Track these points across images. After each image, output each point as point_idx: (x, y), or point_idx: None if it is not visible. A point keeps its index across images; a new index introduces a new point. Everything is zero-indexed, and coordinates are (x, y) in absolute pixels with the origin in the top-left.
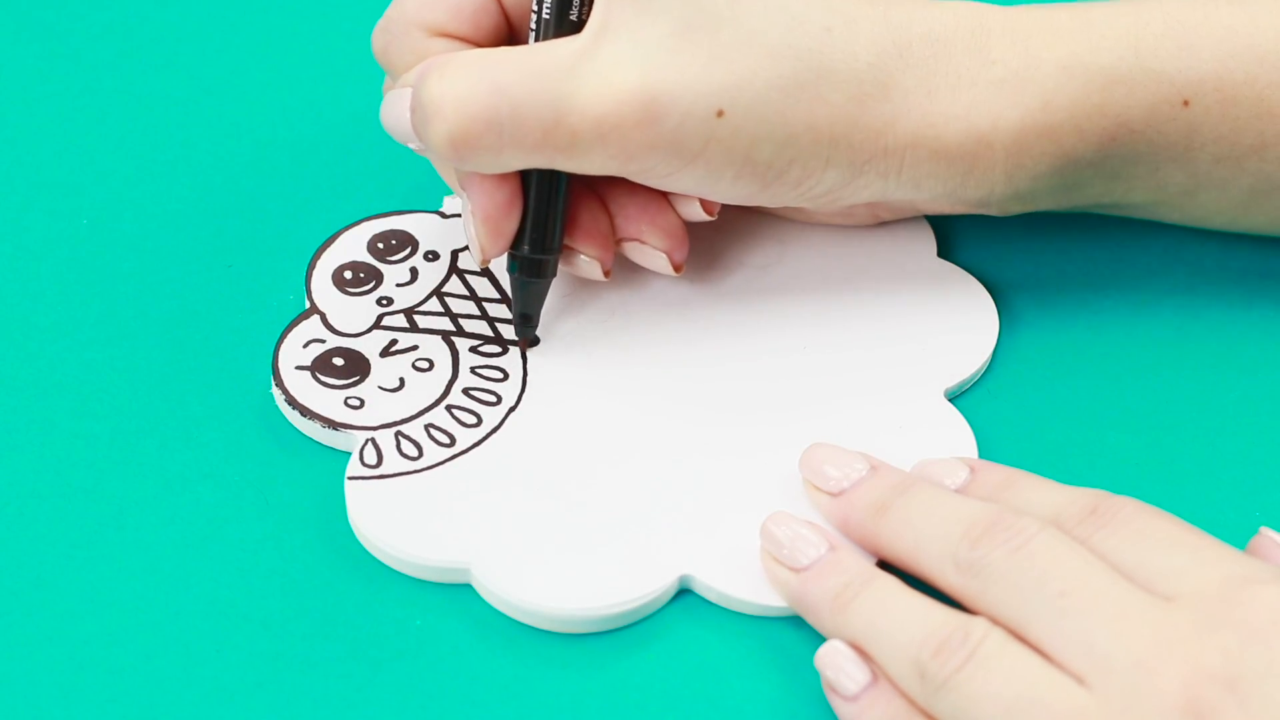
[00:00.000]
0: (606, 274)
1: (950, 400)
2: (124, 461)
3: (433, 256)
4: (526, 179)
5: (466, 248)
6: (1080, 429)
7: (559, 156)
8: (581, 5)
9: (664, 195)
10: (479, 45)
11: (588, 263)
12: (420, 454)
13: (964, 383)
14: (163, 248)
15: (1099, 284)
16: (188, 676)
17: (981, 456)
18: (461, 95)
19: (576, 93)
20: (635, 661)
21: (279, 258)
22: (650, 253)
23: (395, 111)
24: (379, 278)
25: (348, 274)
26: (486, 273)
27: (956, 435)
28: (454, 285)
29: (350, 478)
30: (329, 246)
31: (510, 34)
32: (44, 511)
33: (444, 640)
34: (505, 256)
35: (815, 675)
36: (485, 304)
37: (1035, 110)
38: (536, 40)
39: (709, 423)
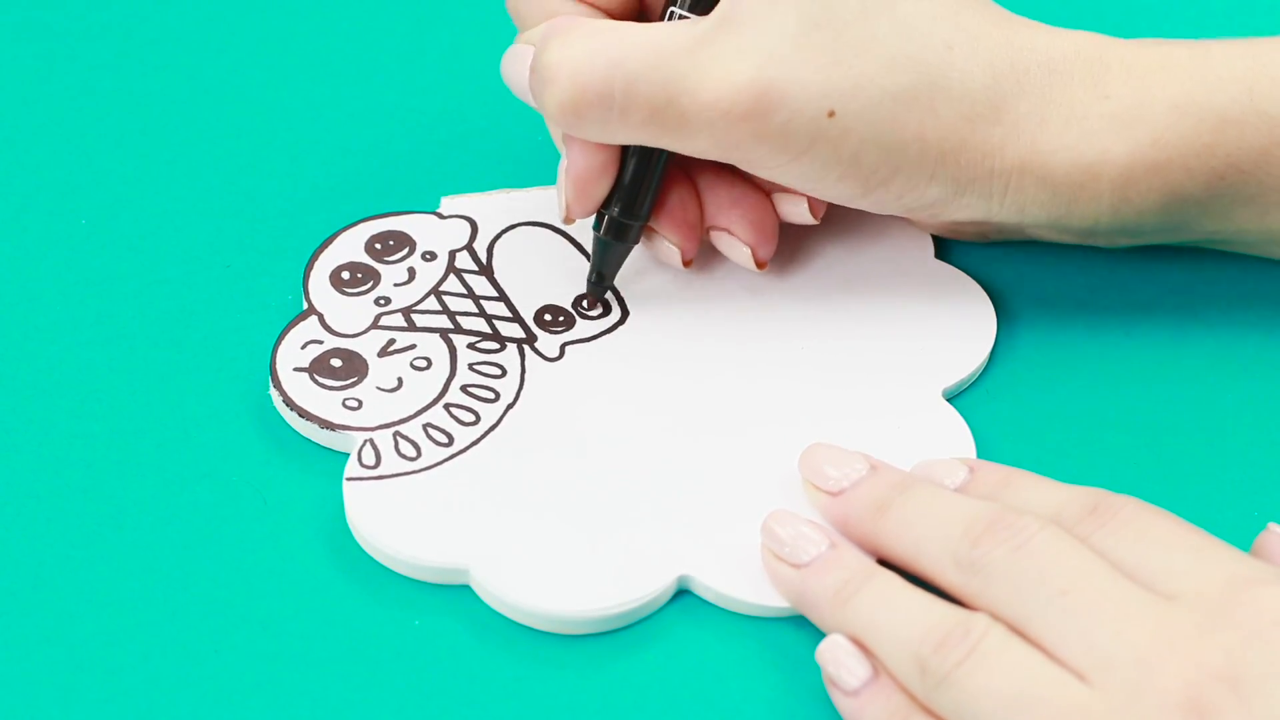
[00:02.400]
0: (686, 263)
1: (948, 400)
2: (122, 462)
3: (430, 256)
4: (627, 149)
5: (464, 248)
6: (1078, 429)
7: (665, 136)
8: None
9: (760, 191)
10: (609, 15)
11: (668, 248)
12: (419, 454)
13: (962, 383)
14: (161, 248)
15: (1097, 284)
16: (186, 677)
17: (980, 457)
18: (579, 64)
19: (691, 75)
20: (634, 662)
21: (277, 258)
22: (736, 245)
23: (515, 68)
24: (377, 278)
25: (345, 274)
26: (485, 270)
27: (955, 435)
28: (452, 284)
29: (349, 479)
30: (327, 247)
31: (641, 10)
32: (42, 512)
33: (443, 641)
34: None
35: (815, 675)
36: (483, 302)
37: (1145, 146)
38: (663, 15)
39: (708, 423)
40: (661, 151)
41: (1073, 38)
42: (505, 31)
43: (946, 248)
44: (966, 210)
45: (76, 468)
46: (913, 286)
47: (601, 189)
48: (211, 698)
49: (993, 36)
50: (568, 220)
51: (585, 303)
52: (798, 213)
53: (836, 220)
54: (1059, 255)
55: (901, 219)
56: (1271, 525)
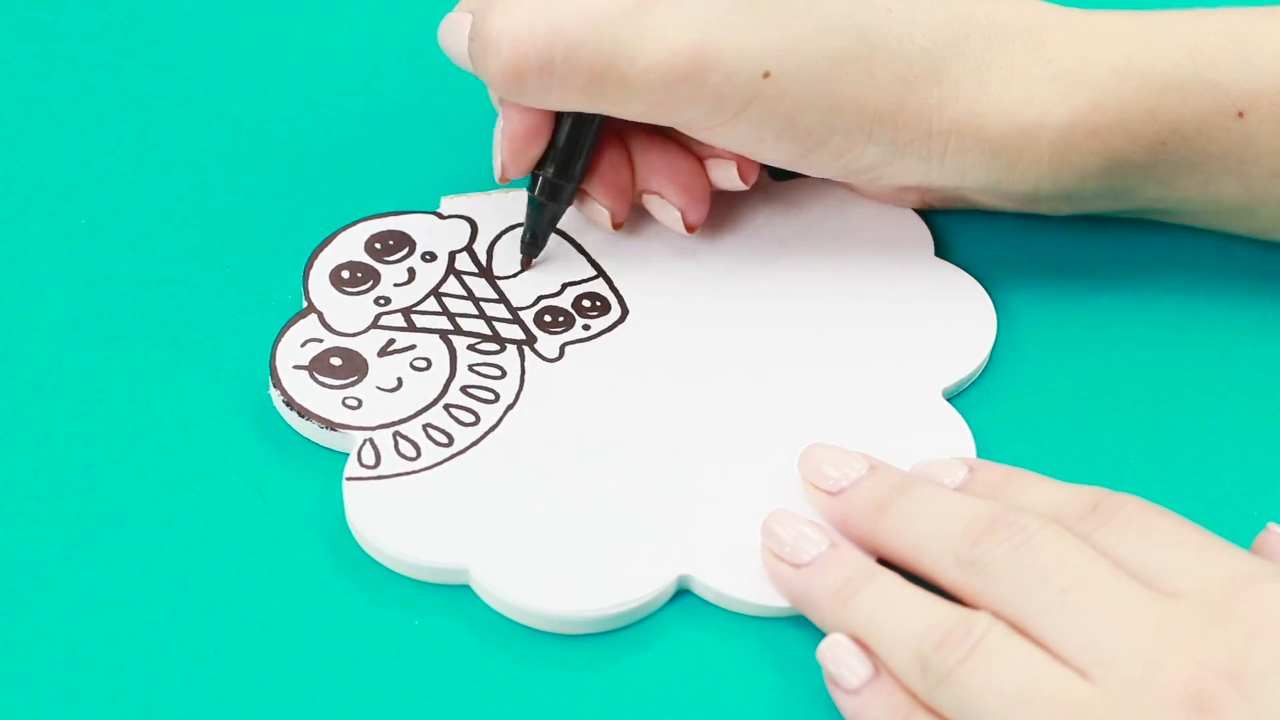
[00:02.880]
0: (616, 226)
1: (948, 400)
2: (122, 462)
3: (430, 257)
4: (562, 112)
5: (464, 249)
6: (1078, 428)
7: (605, 101)
8: None
9: (692, 155)
10: None
11: (599, 209)
12: (418, 454)
13: (962, 382)
14: (161, 247)
15: (1097, 283)
16: (186, 677)
17: (980, 456)
18: (520, 32)
19: (630, 41)
20: (634, 662)
21: (277, 257)
22: (667, 208)
23: (453, 36)
24: (376, 278)
25: (345, 274)
26: (485, 273)
27: (955, 435)
28: (451, 285)
29: (348, 479)
30: (326, 246)
31: None
32: (42, 512)
33: (442, 641)
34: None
35: (815, 675)
36: (483, 303)
37: (1084, 109)
38: None
39: (708, 422)
40: (595, 116)
41: (1015, 4)
42: None
43: (947, 246)
44: (906, 173)
45: (77, 467)
46: (913, 286)
47: (536, 149)
48: (211, 698)
49: (933, 1)
50: (501, 180)
51: (520, 263)
52: (727, 178)
53: (837, 220)
54: (1060, 254)
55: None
56: (1271, 525)
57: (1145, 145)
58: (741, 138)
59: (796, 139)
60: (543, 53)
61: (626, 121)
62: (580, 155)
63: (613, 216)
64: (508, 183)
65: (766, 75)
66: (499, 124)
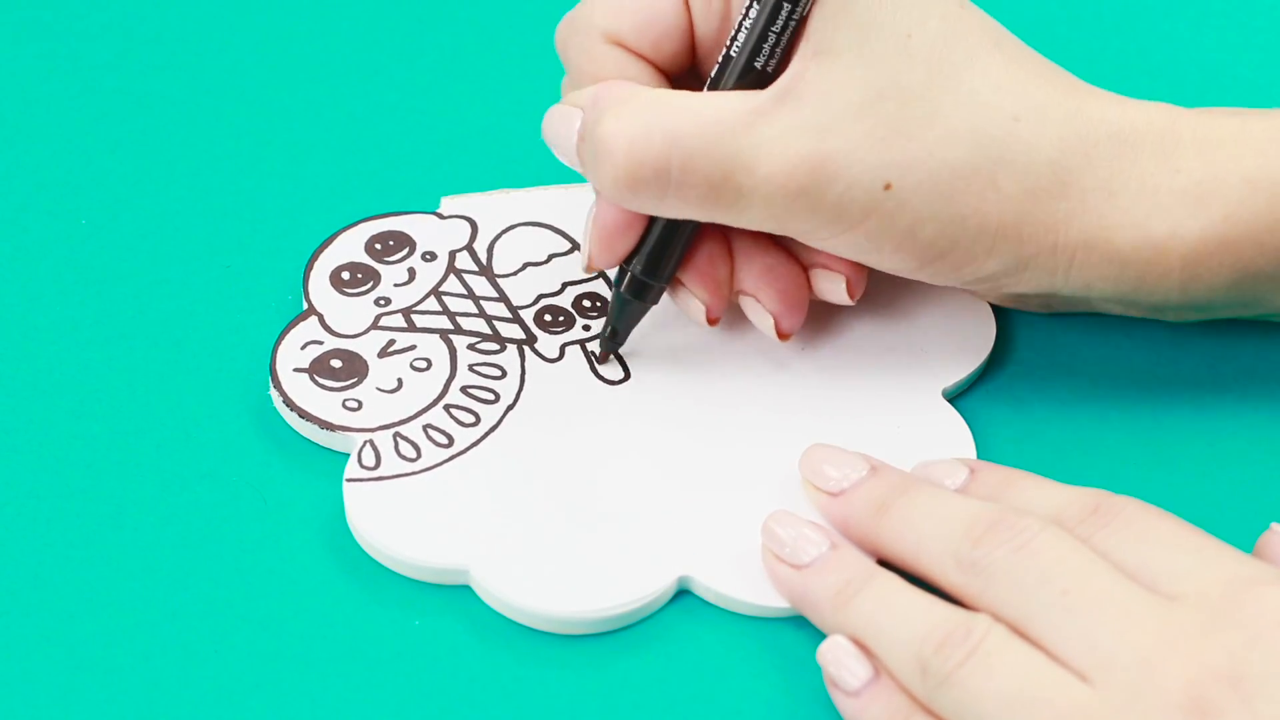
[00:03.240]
0: (711, 322)
1: (949, 401)
2: (122, 463)
3: (430, 257)
4: None
5: (464, 248)
6: (1079, 429)
7: (719, 211)
8: (770, 55)
9: (796, 262)
10: (656, 66)
11: (695, 304)
12: (419, 455)
13: (962, 383)
14: (161, 248)
15: None
16: (186, 677)
17: (980, 457)
18: (635, 140)
19: (748, 151)
20: (634, 662)
21: (277, 258)
22: (762, 312)
23: (562, 130)
24: (377, 278)
25: (345, 274)
26: (485, 271)
27: (955, 436)
28: (452, 285)
29: (349, 479)
30: (327, 247)
31: (691, 63)
32: (42, 512)
33: (443, 641)
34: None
35: (815, 676)
36: (483, 302)
37: (1217, 223)
38: (718, 78)
39: (708, 423)
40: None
41: (1143, 108)
42: (505, 32)
43: None
44: (1029, 283)
45: (77, 467)
46: (913, 286)
47: (627, 243)
48: (211, 698)
49: (1062, 107)
50: (588, 271)
51: (597, 357)
52: (834, 291)
53: None
54: None
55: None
56: (1274, 525)
57: (1276, 256)
58: (859, 247)
59: (915, 251)
60: (659, 161)
61: None
62: (673, 254)
63: (708, 312)
64: (594, 273)
65: (888, 187)
66: (591, 212)
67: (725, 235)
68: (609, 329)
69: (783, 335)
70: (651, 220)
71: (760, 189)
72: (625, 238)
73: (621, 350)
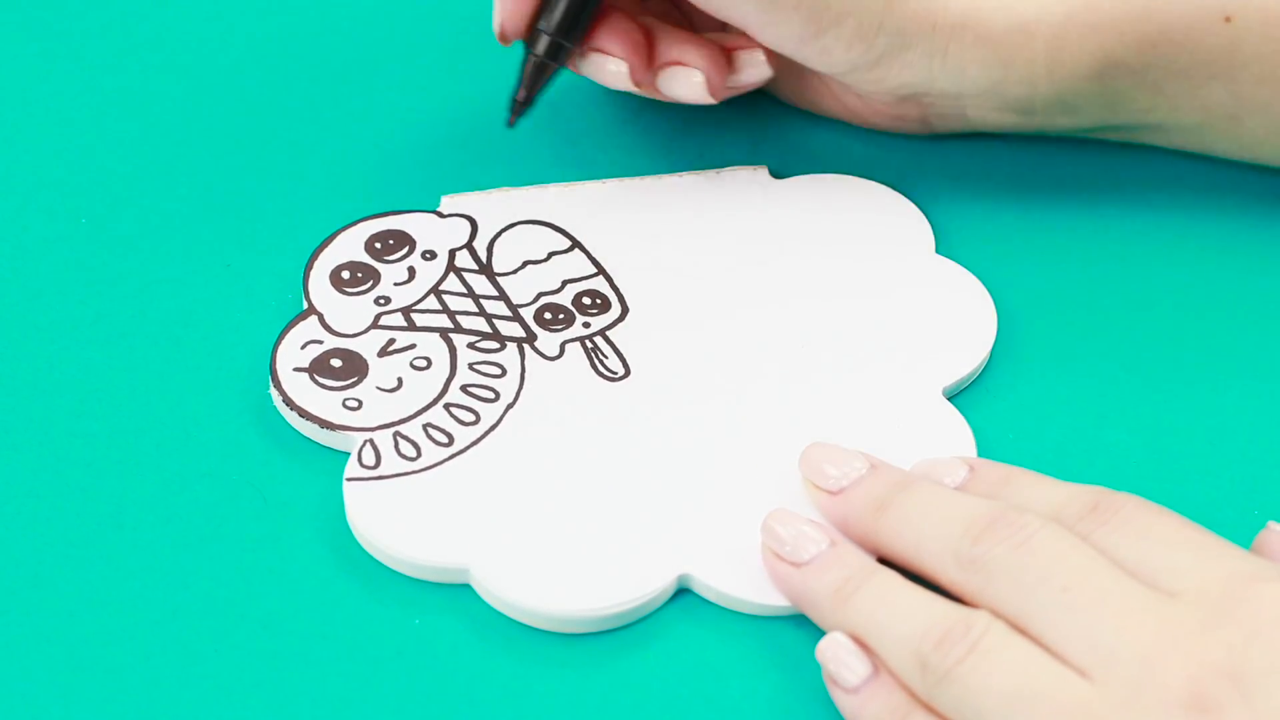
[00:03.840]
0: (637, 83)
1: (949, 399)
2: (122, 462)
3: (430, 256)
4: None
5: (464, 246)
6: (1079, 427)
7: None
8: None
9: (712, 42)
10: None
11: (614, 65)
12: (419, 454)
13: (962, 381)
14: (161, 247)
15: (1098, 282)
16: (186, 676)
17: (980, 455)
18: None
19: None
20: (634, 661)
21: (277, 258)
22: (690, 74)
23: None
24: (376, 277)
25: (345, 274)
26: (485, 270)
27: (955, 434)
28: (451, 283)
29: (349, 479)
30: (326, 246)
31: None
32: (42, 511)
33: (443, 640)
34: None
35: (815, 674)
36: (483, 301)
37: (1078, 8)
38: None
39: (707, 421)
40: None
41: None
42: None
43: (948, 244)
44: (910, 70)
45: (77, 466)
46: (913, 285)
47: (532, 4)
48: (211, 697)
49: None
50: (501, 39)
51: (508, 122)
52: (754, 66)
53: (837, 219)
54: (1061, 252)
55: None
56: (1271, 524)
57: (1136, 46)
58: (761, 4)
59: (814, 14)
60: None
61: (639, 12)
62: (584, 14)
63: (632, 71)
64: (508, 44)
65: None
66: None
67: (633, 16)
68: (523, 92)
69: (714, 92)
70: None
71: None
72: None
73: (622, 350)
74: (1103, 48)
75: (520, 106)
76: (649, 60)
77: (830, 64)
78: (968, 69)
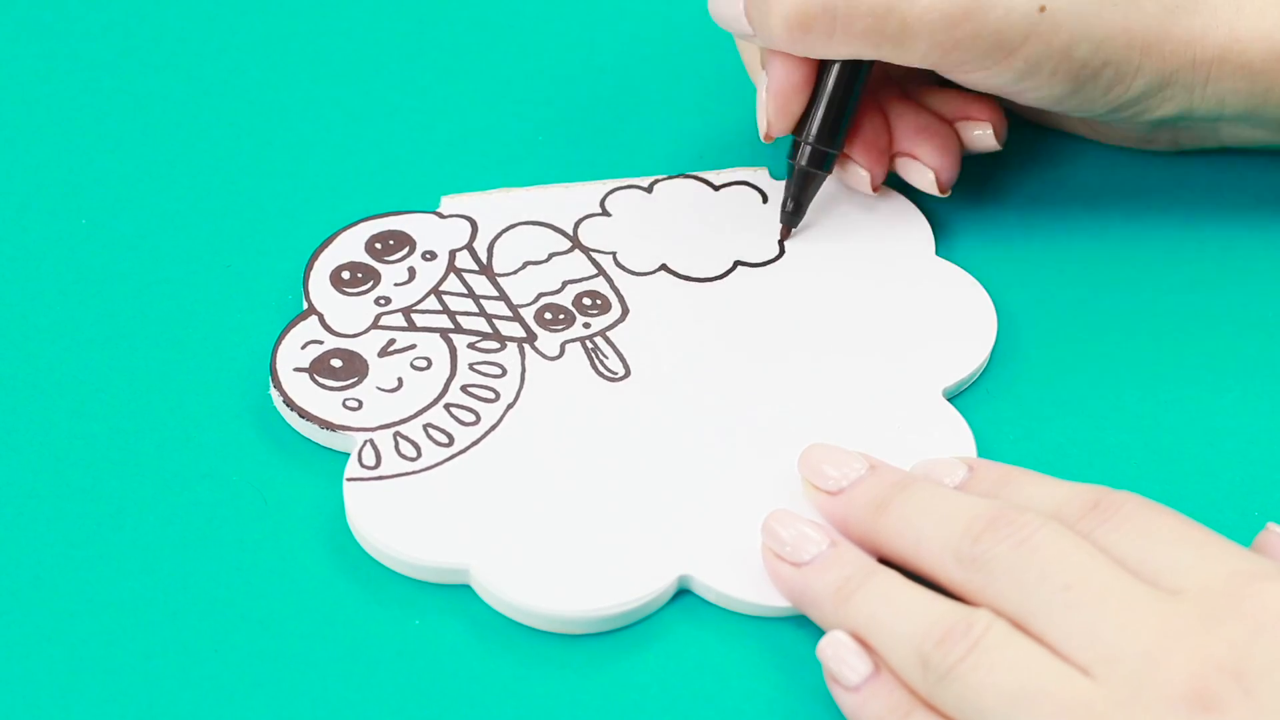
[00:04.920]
0: (875, 189)
1: (949, 400)
2: (122, 462)
3: (430, 256)
4: (824, 69)
5: (464, 247)
6: (1079, 428)
7: (886, 44)
8: None
9: (945, 121)
10: None
11: (860, 174)
12: (419, 454)
13: (962, 382)
14: (161, 248)
15: (1097, 283)
16: (186, 677)
17: (980, 456)
18: None
19: None
20: (634, 662)
21: (277, 258)
22: (922, 170)
23: (726, 1)
24: (377, 278)
25: (345, 274)
26: (485, 270)
27: (955, 435)
28: (452, 284)
29: (349, 479)
30: (327, 247)
31: None
32: (42, 512)
33: (443, 641)
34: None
35: (815, 675)
36: (483, 301)
37: None
38: None
39: (707, 422)
40: (859, 78)
41: None
42: (505, 31)
43: (948, 246)
44: (1169, 104)
45: (77, 467)
46: (913, 286)
47: (800, 104)
48: (211, 698)
49: None
50: (767, 138)
51: (780, 233)
52: (982, 137)
53: (837, 220)
54: (1061, 254)
55: (897, 206)
56: (1271, 525)
57: None
58: (1017, 74)
59: (1070, 72)
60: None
61: (883, 85)
62: (843, 120)
63: (873, 180)
64: (772, 141)
65: (1042, 9)
66: (761, 83)
67: (881, 108)
68: (790, 203)
69: (943, 188)
70: (818, 88)
71: (923, 18)
72: (798, 99)
73: (622, 350)
74: None
75: (790, 218)
76: (888, 158)
77: (1090, 111)
78: (1227, 98)
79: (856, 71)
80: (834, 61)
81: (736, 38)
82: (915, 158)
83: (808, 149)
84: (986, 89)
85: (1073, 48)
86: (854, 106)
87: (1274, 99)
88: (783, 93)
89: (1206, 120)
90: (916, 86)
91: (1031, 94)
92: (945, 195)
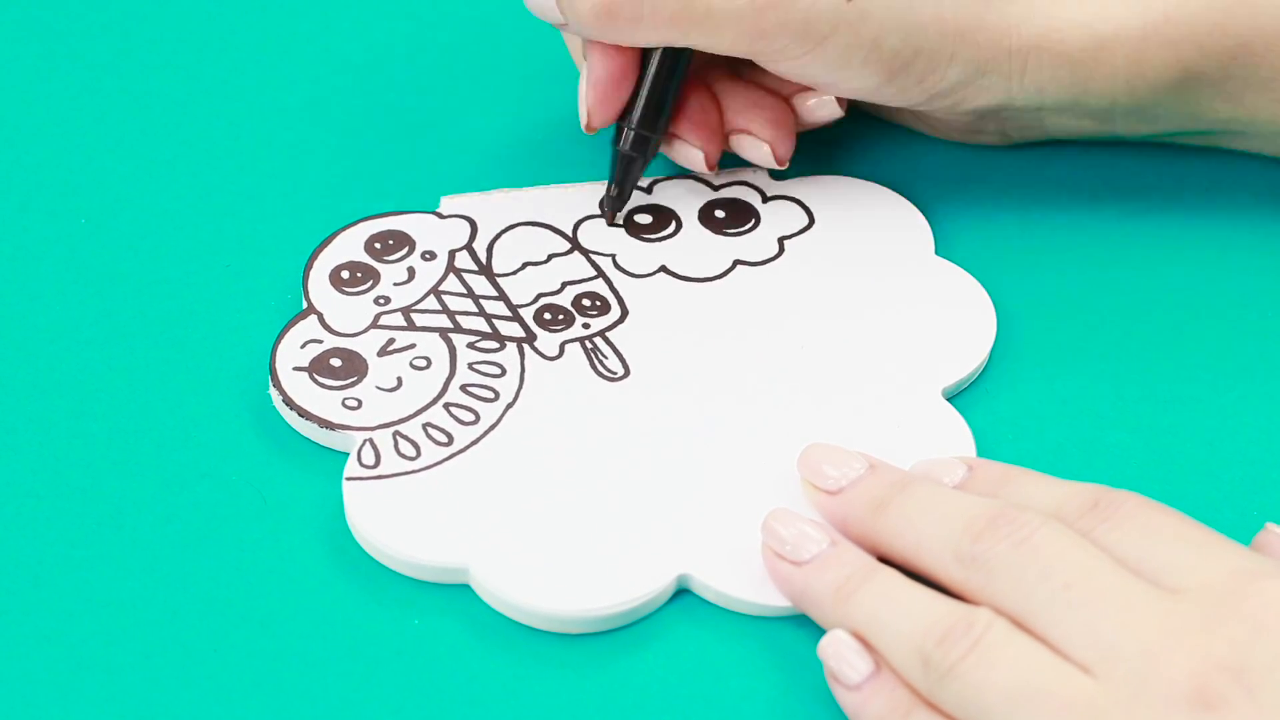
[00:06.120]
0: (711, 167)
1: (948, 399)
2: (122, 462)
3: (430, 256)
4: (646, 58)
5: (464, 247)
6: (1078, 428)
7: (694, 31)
8: None
9: (778, 95)
10: None
11: (692, 151)
12: (418, 454)
13: (962, 382)
14: (161, 247)
15: (1097, 283)
16: (186, 677)
17: (980, 455)
18: None
19: None
20: (634, 661)
21: (276, 258)
22: (756, 144)
23: None
24: (376, 277)
25: (345, 274)
26: (485, 270)
27: (955, 434)
28: (451, 284)
29: (348, 478)
30: (326, 246)
31: None
32: (42, 511)
33: (442, 640)
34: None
35: (816, 675)
36: (483, 301)
37: (1157, 22)
38: None
39: (707, 422)
40: (680, 62)
41: None
42: (505, 31)
43: (947, 245)
44: (987, 93)
45: (77, 467)
46: (913, 286)
47: (622, 95)
48: (211, 697)
49: None
50: (588, 129)
51: (605, 218)
52: (821, 107)
53: (837, 220)
54: (1060, 253)
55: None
56: (1270, 525)
57: (1216, 59)
58: (829, 64)
59: (881, 63)
60: None
61: (711, 66)
62: (665, 106)
63: (707, 158)
64: (594, 132)
65: (849, 0)
66: (583, 74)
67: (709, 87)
68: (613, 188)
69: (780, 160)
70: (641, 76)
71: (729, 5)
72: (619, 90)
73: (621, 350)
74: (1181, 61)
75: (614, 202)
76: (721, 136)
77: (908, 100)
78: (1046, 87)
79: (678, 58)
80: (654, 49)
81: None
82: (749, 132)
83: (630, 134)
84: (801, 80)
85: (883, 38)
86: (678, 90)
87: (1094, 89)
88: (602, 82)
89: (1028, 110)
90: (749, 67)
91: (845, 85)
92: (783, 167)
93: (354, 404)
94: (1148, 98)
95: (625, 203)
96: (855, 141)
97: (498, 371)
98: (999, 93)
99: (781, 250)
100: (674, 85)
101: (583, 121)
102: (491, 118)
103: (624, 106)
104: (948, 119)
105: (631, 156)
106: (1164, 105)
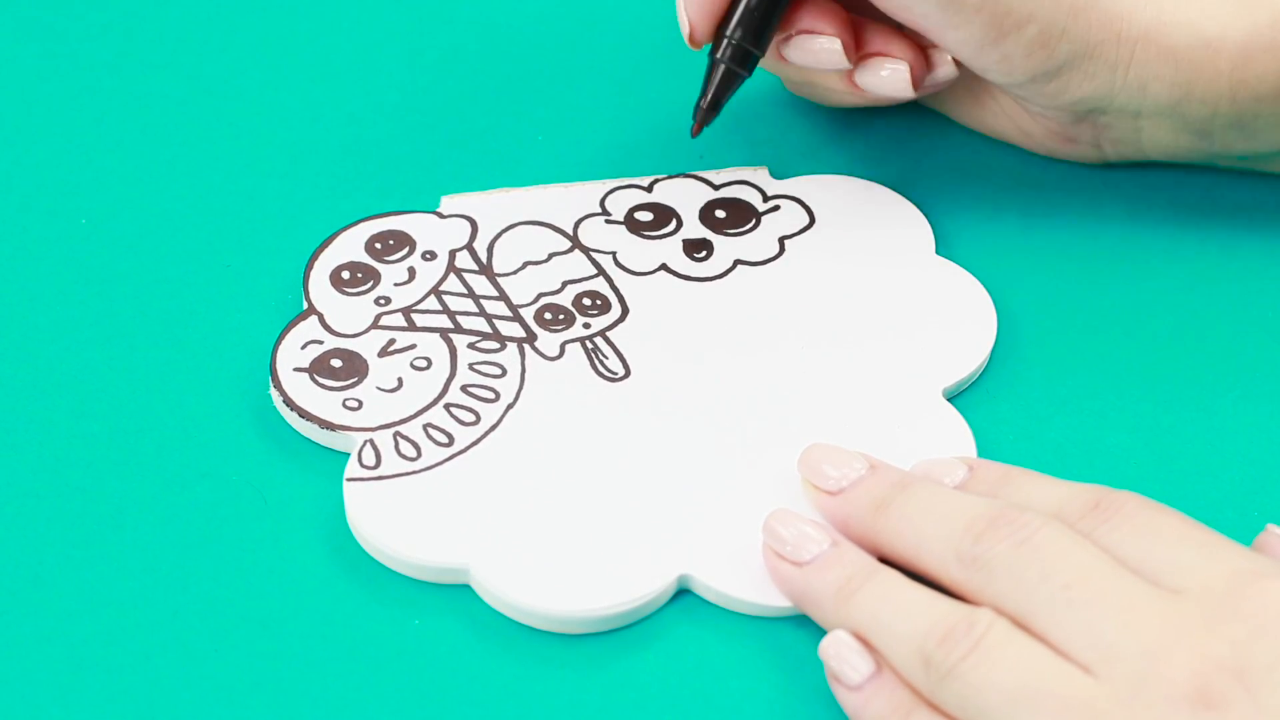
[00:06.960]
0: (850, 61)
1: (949, 400)
2: (122, 462)
3: (430, 256)
4: None
5: (464, 247)
6: (1079, 429)
7: None
8: None
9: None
10: None
11: (823, 44)
12: (419, 454)
13: (962, 382)
14: (161, 248)
15: (1097, 283)
16: (186, 677)
17: (980, 456)
18: None
19: None
20: (634, 662)
21: (277, 258)
22: (893, 65)
23: None
24: (377, 277)
25: (345, 274)
26: (485, 270)
27: (955, 435)
28: (452, 284)
29: (349, 479)
30: (327, 247)
31: None
32: (42, 511)
33: (442, 641)
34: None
35: (816, 675)
36: (483, 301)
37: (1263, 26)
38: None
39: (708, 422)
40: None
41: None
42: (505, 31)
43: (948, 245)
44: (1091, 81)
45: (77, 467)
46: (913, 286)
47: (721, 4)
48: (211, 697)
49: None
50: (691, 42)
51: (693, 130)
52: (945, 65)
53: (838, 220)
54: (1061, 254)
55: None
56: (1270, 526)
57: None
58: (942, 5)
59: (995, 16)
60: None
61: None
62: (772, 19)
63: (846, 50)
64: (699, 48)
65: None
66: None
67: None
68: (708, 99)
69: (917, 84)
70: None
71: None
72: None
73: (622, 350)
74: None
75: (705, 114)
76: (854, 33)
77: (1010, 72)
78: (1149, 84)
79: None
80: None
81: None
82: (886, 54)
83: (729, 46)
84: (910, 16)
85: None
86: (784, 5)
87: (1196, 93)
88: None
89: (1127, 113)
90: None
91: (953, 32)
92: (915, 97)
93: (354, 404)
94: (1249, 108)
95: (715, 116)
96: (855, 141)
97: (498, 372)
98: (1103, 83)
99: (782, 250)
100: (781, 3)
101: (684, 34)
102: (491, 118)
103: (723, 17)
104: (1046, 123)
105: (731, 70)
106: (1265, 118)
